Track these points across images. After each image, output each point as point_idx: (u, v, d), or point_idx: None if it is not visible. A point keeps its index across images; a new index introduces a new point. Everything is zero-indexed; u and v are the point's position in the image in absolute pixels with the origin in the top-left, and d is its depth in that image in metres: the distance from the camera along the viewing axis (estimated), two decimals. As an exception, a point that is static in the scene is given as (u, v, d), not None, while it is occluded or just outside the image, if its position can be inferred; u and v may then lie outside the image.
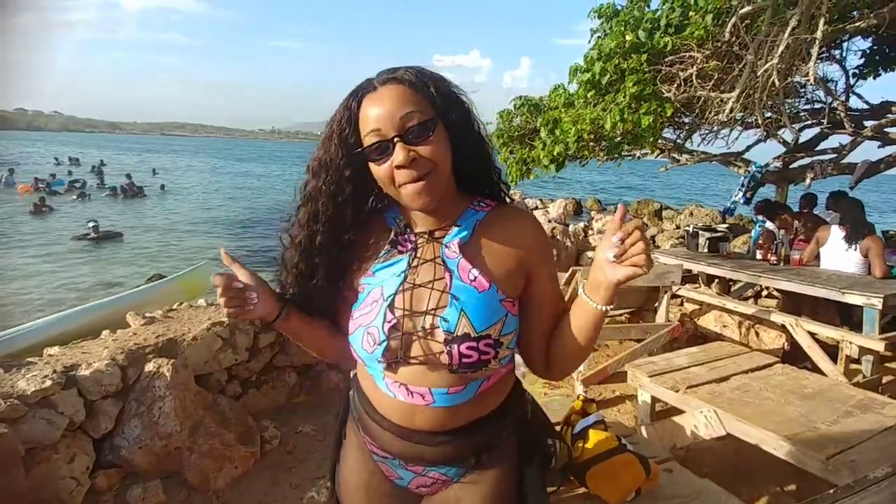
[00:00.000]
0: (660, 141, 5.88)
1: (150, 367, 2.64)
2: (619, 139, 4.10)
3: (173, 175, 31.73)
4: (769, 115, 4.99)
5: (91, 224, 12.33)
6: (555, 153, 4.31)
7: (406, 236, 0.98)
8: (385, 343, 0.90)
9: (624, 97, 3.91)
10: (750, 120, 5.48)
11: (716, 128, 5.88)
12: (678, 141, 6.04)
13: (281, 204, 21.58)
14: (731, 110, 3.84)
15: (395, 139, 0.86)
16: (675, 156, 6.61)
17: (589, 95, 4.46)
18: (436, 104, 0.89)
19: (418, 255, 0.96)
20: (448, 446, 0.96)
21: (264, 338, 3.26)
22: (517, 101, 6.27)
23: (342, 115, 0.92)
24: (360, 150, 0.90)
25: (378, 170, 0.89)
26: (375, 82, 0.90)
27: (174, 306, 3.46)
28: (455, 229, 0.95)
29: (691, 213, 13.49)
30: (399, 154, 0.85)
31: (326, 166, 0.94)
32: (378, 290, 0.95)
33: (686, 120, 5.51)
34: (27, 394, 2.21)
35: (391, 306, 0.92)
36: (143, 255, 11.41)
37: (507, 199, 1.04)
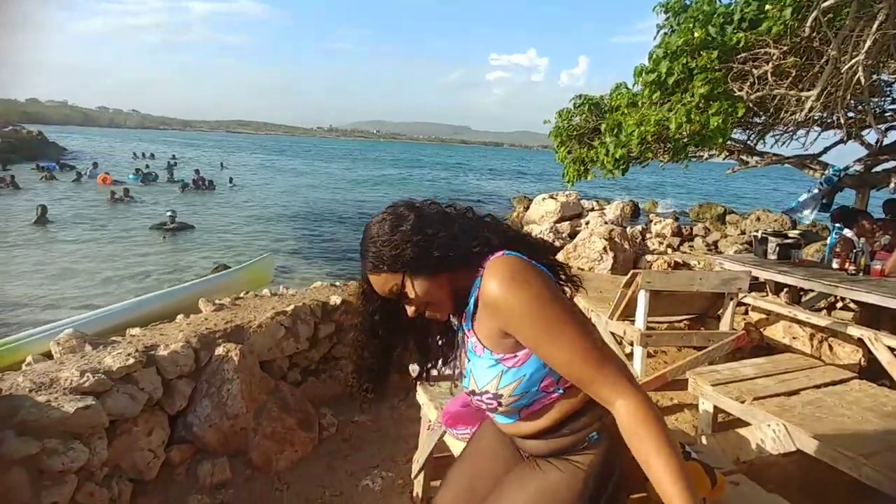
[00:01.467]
0: (728, 142, 5.63)
1: (219, 350, 2.79)
2: (685, 141, 3.95)
3: (240, 170, 33.13)
4: (851, 114, 4.68)
5: (169, 214, 13.10)
6: (617, 156, 4.21)
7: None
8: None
9: (692, 97, 3.77)
10: (830, 120, 5.15)
11: (791, 128, 5.56)
12: (749, 142, 5.75)
13: (337, 201, 22.27)
14: (811, 109, 3.63)
15: (403, 304, 1.15)
16: (745, 158, 6.30)
17: (654, 96, 4.32)
18: (396, 266, 1.09)
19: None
20: (525, 443, 1.22)
21: (324, 328, 3.37)
22: (577, 100, 6.15)
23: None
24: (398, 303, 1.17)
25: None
26: (361, 278, 1.20)
27: (241, 295, 3.63)
28: (467, 306, 1.15)
29: (758, 219, 12.82)
30: (409, 311, 1.15)
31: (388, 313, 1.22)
32: None
33: (758, 120, 5.24)
34: (112, 370, 2.38)
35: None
36: (211, 246, 12.03)
37: (510, 236, 1.17)
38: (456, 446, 1.85)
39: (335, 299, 3.48)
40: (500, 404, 1.12)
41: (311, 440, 2.84)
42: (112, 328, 3.64)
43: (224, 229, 14.10)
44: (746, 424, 2.49)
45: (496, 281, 1.03)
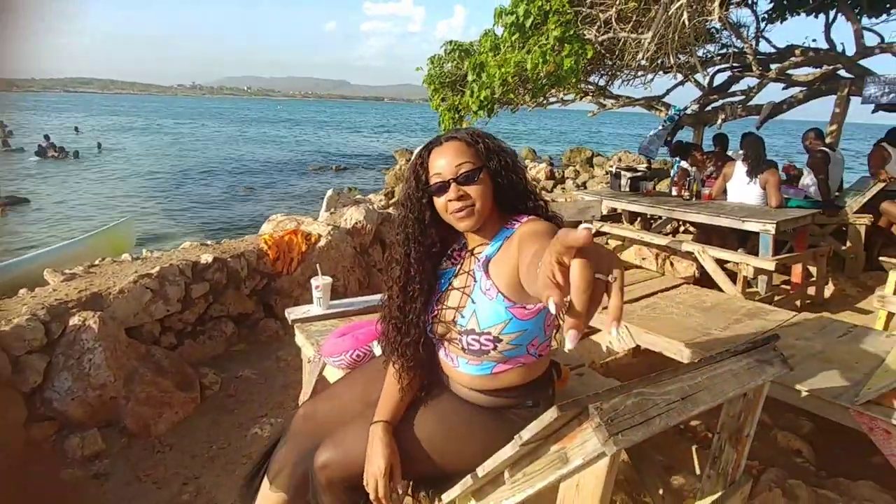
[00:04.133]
0: (584, 85, 6.05)
1: (74, 320, 2.58)
2: (542, 82, 4.20)
3: (93, 135, 29.28)
4: (683, 57, 5.24)
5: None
6: (482, 98, 4.38)
7: (460, 252, 1.36)
8: (430, 326, 1.31)
9: (547, 39, 3.99)
10: (668, 64, 5.72)
11: (636, 72, 6.11)
12: (601, 84, 6.23)
13: (205, 163, 20.66)
14: (647, 51, 4.02)
15: (451, 181, 1.20)
16: (601, 101, 6.82)
17: (514, 39, 4.50)
18: (482, 155, 1.23)
19: (462, 267, 1.32)
20: (471, 395, 1.32)
21: (197, 288, 3.23)
22: (447, 47, 6.21)
23: (417, 161, 1.28)
24: (427, 186, 1.25)
25: (438, 201, 1.24)
26: (442, 139, 1.26)
27: (96, 262, 3.34)
28: (487, 247, 1.26)
29: (619, 159, 14.03)
30: (451, 192, 1.20)
31: (409, 198, 1.29)
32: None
33: (608, 63, 5.68)
34: (-58, 351, 2.12)
35: (438, 301, 1.31)
36: (62, 219, 10.71)
37: (545, 212, 1.29)
38: (336, 378, 1.93)
39: (206, 257, 3.32)
40: (495, 348, 1.20)
41: (193, 400, 2.77)
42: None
43: (79, 200, 12.58)
44: (599, 331, 2.85)
45: (532, 223, 1.18)
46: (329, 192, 5.24)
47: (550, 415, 0.92)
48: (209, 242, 3.79)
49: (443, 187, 1.22)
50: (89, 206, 12.18)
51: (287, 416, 2.68)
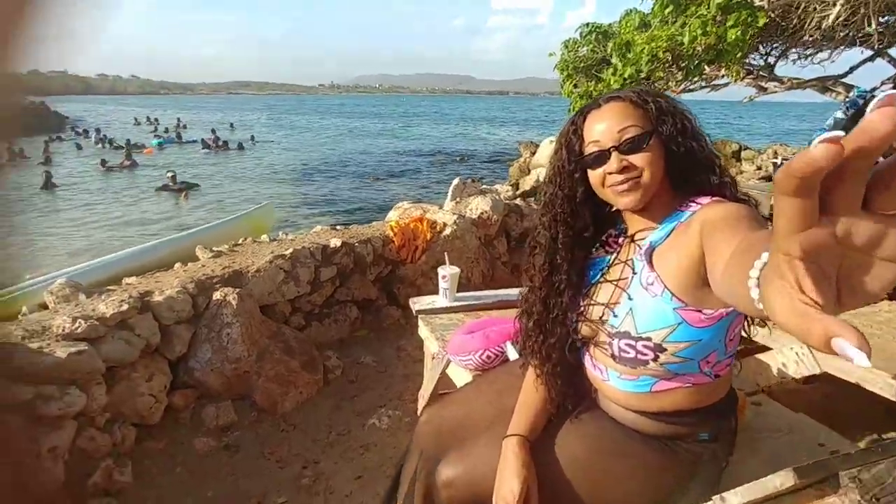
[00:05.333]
0: (745, 65, 5.29)
1: (217, 295, 2.71)
2: (699, 57, 3.68)
3: (248, 132, 33.10)
4: (881, 28, 4.33)
5: (169, 175, 13.01)
6: (626, 76, 3.95)
7: (617, 238, 1.12)
8: (574, 326, 1.09)
9: (708, 9, 3.47)
10: (863, 31, 4.78)
11: (812, 47, 5.21)
12: (768, 62, 5.41)
13: (341, 154, 22.09)
14: (837, 16, 3.33)
15: (612, 149, 0.98)
16: (762, 83, 5.94)
17: (666, 12, 4.01)
18: (653, 117, 0.98)
19: (618, 255, 1.08)
20: (627, 415, 1.07)
21: (325, 271, 3.27)
22: (584, 29, 5.81)
23: (569, 128, 1.06)
24: (581, 157, 1.03)
25: (593, 175, 1.02)
26: (601, 101, 1.04)
27: (239, 241, 3.53)
28: (652, 232, 1.01)
29: (775, 153, 12.38)
30: (612, 163, 0.98)
31: (559, 172, 1.08)
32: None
33: (778, 36, 4.89)
34: (107, 316, 2.31)
35: (585, 295, 1.09)
36: (221, 202, 12.04)
37: (734, 191, 0.99)
38: (460, 378, 1.76)
39: (335, 242, 3.36)
40: (655, 358, 0.96)
41: (316, 382, 2.79)
42: (108, 278, 3.58)
43: (235, 186, 14.13)
44: (768, 350, 2.38)
45: (730, 205, 0.90)
46: (455, 181, 5.15)
47: (780, 479, 0.64)
48: (338, 227, 3.86)
49: (601, 157, 0.99)
50: (244, 190, 13.61)
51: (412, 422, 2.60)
